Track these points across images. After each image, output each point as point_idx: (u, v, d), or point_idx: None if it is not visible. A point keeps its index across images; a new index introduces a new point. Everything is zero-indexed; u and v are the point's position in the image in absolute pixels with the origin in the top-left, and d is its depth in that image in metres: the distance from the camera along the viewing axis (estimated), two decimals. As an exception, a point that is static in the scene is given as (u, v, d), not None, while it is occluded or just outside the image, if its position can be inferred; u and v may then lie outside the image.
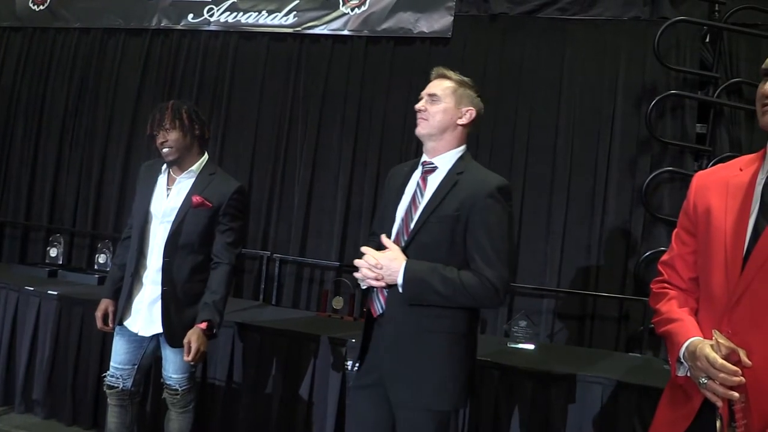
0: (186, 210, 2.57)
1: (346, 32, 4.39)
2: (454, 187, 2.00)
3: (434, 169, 2.09)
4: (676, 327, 1.61)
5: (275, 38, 4.57)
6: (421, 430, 1.99)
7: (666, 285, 1.74)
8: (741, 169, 1.61)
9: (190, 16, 4.69)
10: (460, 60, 4.16)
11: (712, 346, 1.47)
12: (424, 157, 2.13)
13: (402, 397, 2.00)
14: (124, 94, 4.84)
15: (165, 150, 2.57)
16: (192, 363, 2.50)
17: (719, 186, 1.62)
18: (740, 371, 1.42)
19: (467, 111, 2.10)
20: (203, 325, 2.49)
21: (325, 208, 4.36)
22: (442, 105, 2.08)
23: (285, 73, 4.53)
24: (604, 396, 2.85)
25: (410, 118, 4.14)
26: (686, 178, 3.69)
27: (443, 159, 2.09)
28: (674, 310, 1.66)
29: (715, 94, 3.73)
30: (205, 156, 2.71)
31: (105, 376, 2.70)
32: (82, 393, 3.53)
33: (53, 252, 4.59)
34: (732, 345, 1.44)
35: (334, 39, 4.44)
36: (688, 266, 1.69)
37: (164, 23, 4.77)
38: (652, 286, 1.79)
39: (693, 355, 1.50)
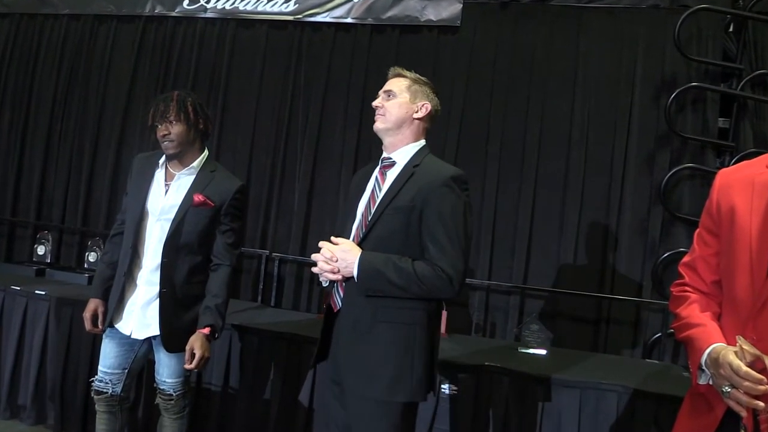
0: (186, 209, 2.57)
1: (349, 20, 4.39)
2: (410, 178, 2.11)
3: (393, 164, 2.21)
4: (697, 332, 1.61)
5: (275, 26, 4.57)
6: (373, 421, 2.05)
7: (687, 288, 1.74)
8: (767, 167, 1.61)
9: (186, 2, 4.69)
10: (469, 50, 4.16)
11: (735, 352, 1.46)
12: (384, 154, 2.26)
13: (354, 388, 2.08)
14: (116, 85, 4.84)
15: (166, 143, 2.57)
16: (195, 369, 2.50)
17: (744, 184, 1.62)
18: (766, 379, 1.42)
19: (422, 105, 2.22)
20: (206, 331, 2.50)
21: (326, 205, 4.36)
22: (398, 100, 2.20)
23: (285, 63, 4.52)
24: (620, 405, 2.84)
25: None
26: (707, 176, 3.69)
27: (401, 153, 2.21)
28: (696, 314, 1.66)
29: (739, 87, 3.71)
30: (206, 152, 2.71)
31: (93, 381, 2.70)
32: (71, 398, 3.53)
33: (41, 250, 4.60)
34: (757, 352, 1.43)
35: (337, 27, 4.43)
36: (711, 268, 1.69)
37: (158, 10, 4.76)
38: (672, 289, 1.79)
39: (716, 362, 1.50)
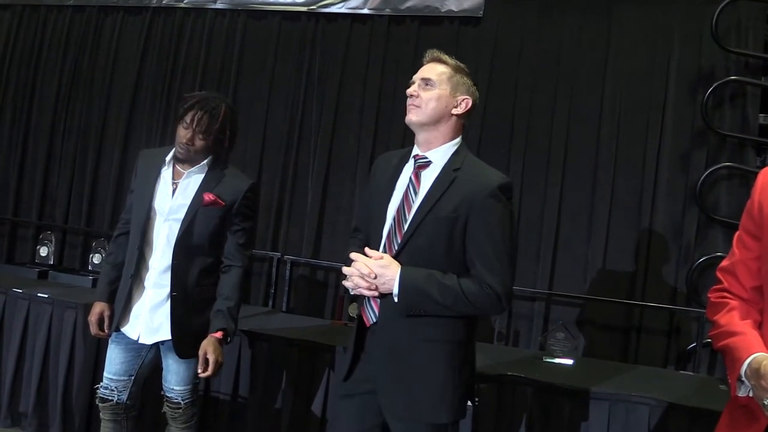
0: (196, 208, 2.59)
1: (365, 11, 4.40)
2: (451, 185, 2.02)
3: (428, 163, 2.10)
4: (737, 341, 1.59)
5: (288, 17, 4.59)
6: None
7: (725, 294, 1.73)
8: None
9: (195, -8, 4.73)
10: (492, 42, 4.16)
11: (778, 362, 1.45)
12: (416, 150, 2.14)
13: (398, 410, 2.04)
14: (122, 79, 4.89)
15: (183, 149, 2.58)
16: (211, 376, 2.52)
17: (788, 184, 1.60)
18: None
19: (463, 100, 2.10)
20: (218, 335, 2.52)
21: (341, 206, 4.37)
22: (437, 91, 2.07)
23: (298, 57, 4.54)
24: (651, 419, 2.82)
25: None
26: (747, 175, 3.65)
27: (437, 153, 2.10)
28: (735, 322, 1.64)
29: (782, 81, 3.69)
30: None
31: (98, 388, 2.72)
32: (74, 406, 3.56)
33: (43, 251, 4.64)
34: (801, 362, 1.42)
35: (353, 18, 4.45)
36: (751, 274, 1.67)
37: (166, 1, 4.80)
38: (709, 296, 1.78)
39: (756, 372, 1.49)
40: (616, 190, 3.92)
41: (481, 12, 4.17)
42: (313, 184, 4.43)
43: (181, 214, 2.59)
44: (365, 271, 1.99)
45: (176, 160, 2.65)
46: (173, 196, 2.63)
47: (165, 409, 2.70)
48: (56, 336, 3.60)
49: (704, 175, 3.70)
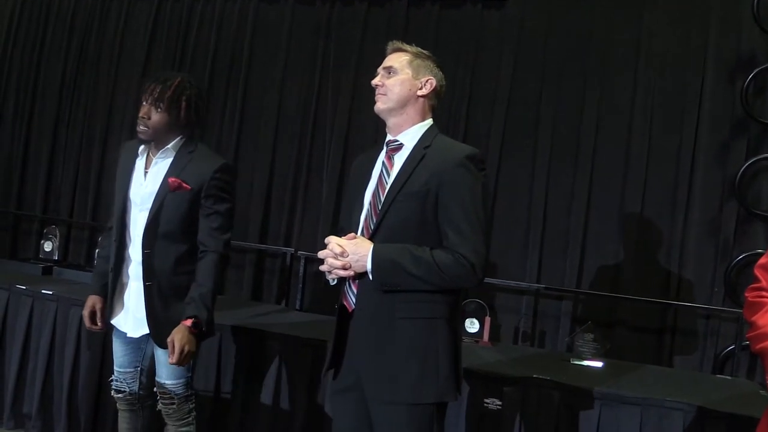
0: (164, 195, 2.64)
1: (383, -6, 4.41)
2: (421, 161, 2.14)
3: (400, 146, 2.23)
4: (775, 343, 1.59)
5: (301, 1, 4.60)
6: (401, 426, 2.07)
7: (764, 293, 1.73)
8: None
9: (204, -25, 4.76)
10: (518, 26, 4.15)
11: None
12: (388, 137, 2.28)
13: (378, 393, 2.10)
14: (129, 67, 4.93)
15: (141, 126, 2.65)
16: (178, 365, 2.54)
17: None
18: None
19: (427, 81, 2.24)
20: (188, 323, 2.55)
21: (357, 199, 4.38)
22: (400, 76, 2.22)
23: (312, 43, 4.56)
24: (686, 425, 2.81)
25: (458, 93, 4.17)
26: (789, 167, 3.63)
27: (408, 135, 2.23)
28: (774, 323, 1.64)
29: (828, 66, 3.64)
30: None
31: (112, 380, 2.84)
32: (80, 406, 3.60)
33: (48, 246, 4.70)
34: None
35: (370, 2, 4.45)
36: (792, 271, 1.66)
37: (174, -16, 4.84)
38: (746, 295, 1.77)
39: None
40: (649, 184, 3.89)
41: (505, -7, 4.17)
42: (328, 177, 4.45)
43: (151, 202, 2.66)
44: (337, 250, 2.08)
45: (142, 142, 2.71)
46: (144, 184, 2.70)
47: (159, 406, 2.76)
48: (61, 334, 3.65)
49: (744, 167, 3.67)
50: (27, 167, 5.16)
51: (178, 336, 2.51)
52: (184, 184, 2.63)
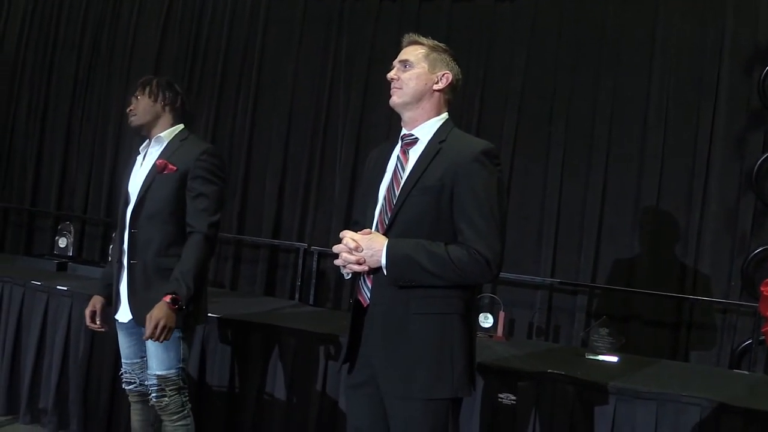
0: (152, 177, 2.73)
1: (395, -13, 4.40)
2: (436, 155, 2.13)
3: (415, 140, 2.22)
4: (792, 337, 1.58)
5: (313, -6, 4.61)
6: (416, 422, 2.07)
7: (780, 287, 1.71)
8: None
9: (216, -30, 4.78)
10: (530, 18, 4.13)
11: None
12: (403, 131, 2.27)
13: (393, 388, 2.10)
14: (141, 62, 4.96)
15: (131, 118, 2.80)
16: (155, 340, 2.54)
17: None
18: None
19: (443, 75, 2.23)
20: (167, 298, 2.56)
21: (370, 194, 4.38)
22: (416, 70, 2.21)
23: (325, 37, 4.57)
24: (703, 420, 2.79)
25: (471, 87, 4.16)
26: (808, 159, 3.60)
27: (423, 129, 2.22)
28: (791, 317, 1.63)
29: None
30: (181, 126, 2.86)
31: (122, 374, 2.90)
32: (95, 402, 3.65)
33: (62, 242, 4.73)
34: None
35: (382, -5, 4.45)
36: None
37: (186, -21, 4.86)
38: (761, 289, 1.77)
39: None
40: (665, 176, 3.87)
41: (518, -14, 4.16)
42: (340, 171, 4.45)
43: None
44: (352, 245, 2.08)
45: (136, 134, 2.88)
46: (139, 173, 2.81)
47: (152, 401, 2.75)
48: (76, 330, 3.68)
49: (761, 159, 3.64)
50: (41, 164, 5.21)
51: (155, 311, 2.54)
52: (170, 165, 2.71)
